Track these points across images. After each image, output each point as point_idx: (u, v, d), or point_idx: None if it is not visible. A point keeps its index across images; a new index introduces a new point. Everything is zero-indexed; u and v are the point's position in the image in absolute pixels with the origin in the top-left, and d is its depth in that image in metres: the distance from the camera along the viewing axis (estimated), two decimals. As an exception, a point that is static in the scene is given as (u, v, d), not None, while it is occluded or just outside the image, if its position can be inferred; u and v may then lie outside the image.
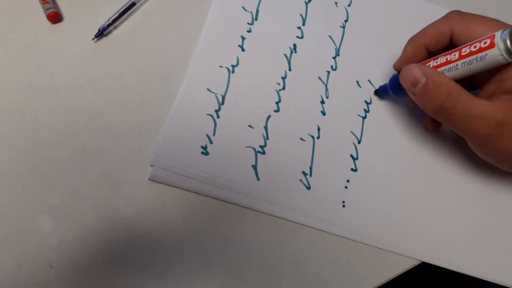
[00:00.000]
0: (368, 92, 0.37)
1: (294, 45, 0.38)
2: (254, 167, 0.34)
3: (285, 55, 0.37)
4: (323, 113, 0.36)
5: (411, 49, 0.33)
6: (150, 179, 0.33)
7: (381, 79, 0.38)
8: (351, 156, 0.35)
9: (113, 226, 0.32)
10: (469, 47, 0.28)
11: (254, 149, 0.34)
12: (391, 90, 0.34)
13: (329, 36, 0.39)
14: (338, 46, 0.38)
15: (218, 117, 0.35)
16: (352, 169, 0.35)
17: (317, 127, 0.36)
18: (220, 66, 0.36)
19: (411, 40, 0.33)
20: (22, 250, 0.31)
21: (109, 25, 0.36)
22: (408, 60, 0.33)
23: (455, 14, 0.31)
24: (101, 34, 0.36)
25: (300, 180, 0.34)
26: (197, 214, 0.33)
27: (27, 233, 0.31)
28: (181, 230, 0.32)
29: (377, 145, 0.36)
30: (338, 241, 0.33)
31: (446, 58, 0.29)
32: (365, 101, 0.37)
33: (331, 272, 0.33)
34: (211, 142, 0.34)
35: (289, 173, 0.34)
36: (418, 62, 0.32)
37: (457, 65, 0.28)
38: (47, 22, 0.36)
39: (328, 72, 0.38)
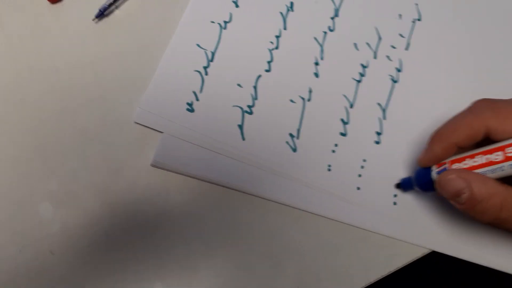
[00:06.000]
0: (366, 55, 0.36)
1: (291, 3, 0.36)
2: (240, 126, 0.33)
3: (281, 13, 0.36)
4: (316, 75, 0.35)
5: (440, 149, 0.28)
6: (152, 165, 0.32)
7: (381, 42, 0.36)
8: (342, 120, 0.34)
9: (114, 212, 0.31)
10: None
11: (242, 108, 0.33)
12: (420, 188, 0.30)
13: (329, -5, 0.37)
14: (337, 6, 0.37)
15: (206, 74, 0.34)
16: (341, 133, 0.34)
17: (308, 89, 0.35)
18: (212, 22, 0.35)
19: (438, 138, 0.29)
20: (23, 236, 0.31)
21: (110, 4, 0.34)
22: (437, 158, 0.29)
23: (486, 108, 0.27)
24: (102, 14, 0.34)
25: (287, 142, 0.33)
26: (200, 200, 0.32)
27: (27, 219, 0.31)
28: (184, 217, 0.32)
29: (370, 109, 0.35)
30: (345, 229, 0.32)
31: (487, 158, 0.26)
32: (361, 64, 0.36)
33: (337, 260, 0.32)
34: (197, 99, 0.33)
35: (276, 135, 0.33)
36: (447, 158, 0.29)
37: (503, 167, 0.26)
38: (46, 2, 0.35)
39: (325, 32, 0.36)
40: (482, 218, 0.26)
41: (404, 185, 0.32)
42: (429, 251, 0.32)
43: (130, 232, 0.31)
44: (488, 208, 0.25)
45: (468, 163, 0.27)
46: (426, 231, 0.32)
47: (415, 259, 0.32)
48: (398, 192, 0.33)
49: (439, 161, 0.29)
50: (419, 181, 0.30)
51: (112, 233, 0.31)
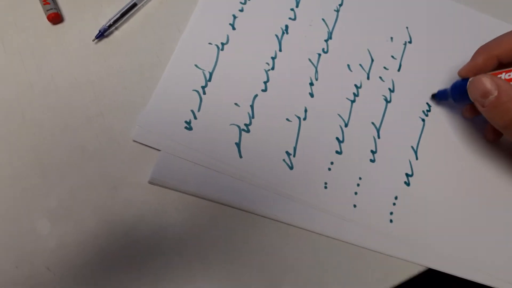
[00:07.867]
0: (359, 76, 0.37)
1: (286, 26, 0.37)
2: (238, 144, 0.34)
3: (276, 35, 0.37)
4: (311, 95, 0.36)
5: (482, 60, 0.32)
6: (150, 182, 0.32)
7: (374, 63, 0.37)
8: (337, 138, 0.35)
9: (111, 229, 0.31)
10: None
11: (239, 127, 0.34)
12: (453, 97, 0.33)
13: (322, 19, 0.38)
14: (331, 30, 0.38)
15: (204, 93, 0.34)
16: (337, 152, 0.34)
17: (304, 109, 0.35)
18: (210, 43, 0.36)
19: (482, 50, 0.32)
20: (20, 252, 0.30)
21: (110, 26, 0.35)
22: (477, 69, 0.32)
23: None
24: (102, 35, 0.35)
25: (283, 160, 0.34)
26: (197, 217, 0.32)
27: (25, 235, 0.31)
28: (181, 234, 0.32)
29: (364, 128, 0.35)
30: (341, 246, 0.32)
31: None
32: (355, 85, 0.36)
33: (333, 277, 0.32)
34: (195, 118, 0.34)
35: (273, 153, 0.34)
36: (487, 72, 0.31)
37: None
38: (47, 22, 0.35)
39: (319, 54, 0.37)
40: (501, 118, 0.29)
41: (439, 96, 0.35)
42: (425, 268, 0.33)
43: (127, 248, 0.31)
44: (510, 110, 0.28)
45: (503, 76, 0.30)
46: (422, 249, 0.33)
47: (412, 277, 0.32)
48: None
49: (478, 72, 0.31)
50: (455, 91, 0.33)
51: (109, 250, 0.31)
